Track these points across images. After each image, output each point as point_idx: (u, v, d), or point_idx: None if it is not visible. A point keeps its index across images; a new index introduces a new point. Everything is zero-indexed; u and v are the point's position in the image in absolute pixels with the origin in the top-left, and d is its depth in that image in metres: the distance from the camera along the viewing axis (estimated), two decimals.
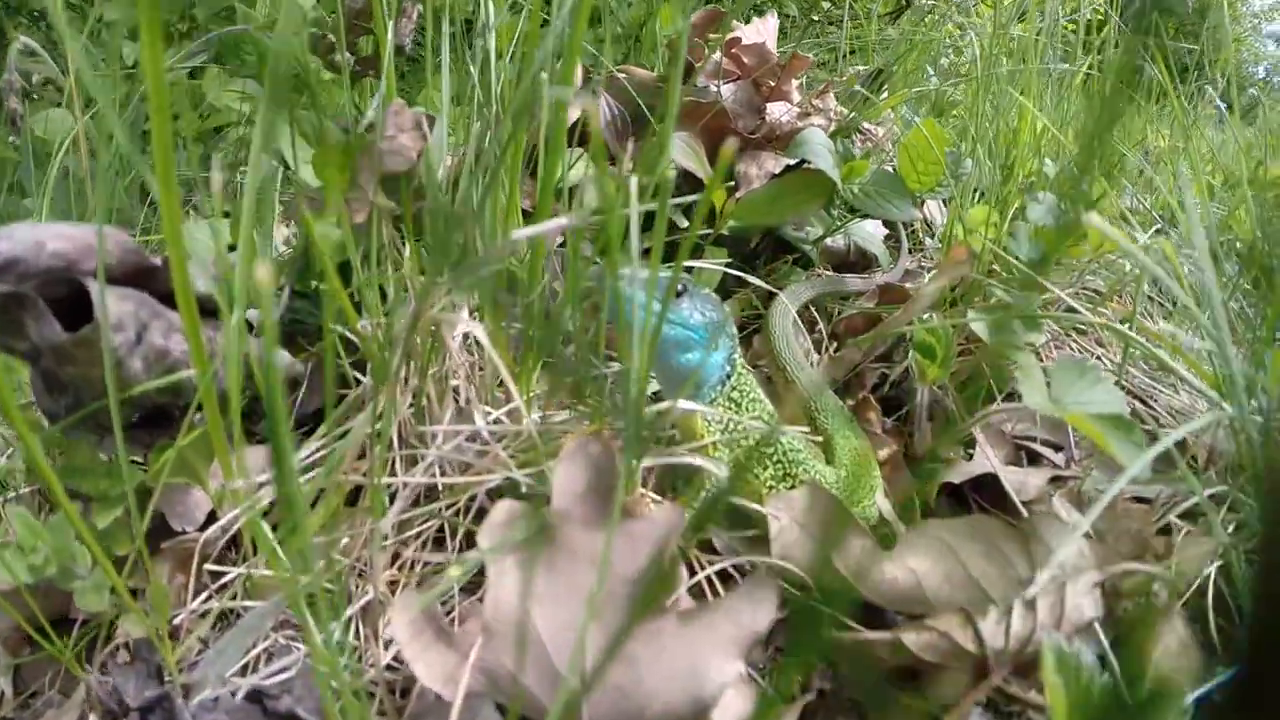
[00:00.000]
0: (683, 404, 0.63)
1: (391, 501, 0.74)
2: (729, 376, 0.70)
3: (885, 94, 1.23)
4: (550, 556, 0.49)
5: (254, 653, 0.75)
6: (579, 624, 0.46)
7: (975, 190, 1.12)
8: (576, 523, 0.48)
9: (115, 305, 0.58)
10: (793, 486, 0.71)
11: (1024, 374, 0.73)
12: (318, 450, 0.78)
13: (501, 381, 0.80)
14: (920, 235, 1.21)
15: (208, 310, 0.71)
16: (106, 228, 0.62)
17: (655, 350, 0.64)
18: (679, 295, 0.66)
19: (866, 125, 1.22)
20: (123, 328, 0.59)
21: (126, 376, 0.61)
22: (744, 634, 0.45)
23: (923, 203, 1.09)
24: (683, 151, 0.95)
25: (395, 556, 0.76)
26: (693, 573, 0.66)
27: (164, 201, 0.52)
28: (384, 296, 0.80)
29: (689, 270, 0.88)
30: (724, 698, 0.44)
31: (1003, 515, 0.81)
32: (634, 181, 0.51)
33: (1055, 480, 0.89)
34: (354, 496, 0.79)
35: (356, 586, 0.76)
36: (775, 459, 0.71)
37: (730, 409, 0.70)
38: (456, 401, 0.75)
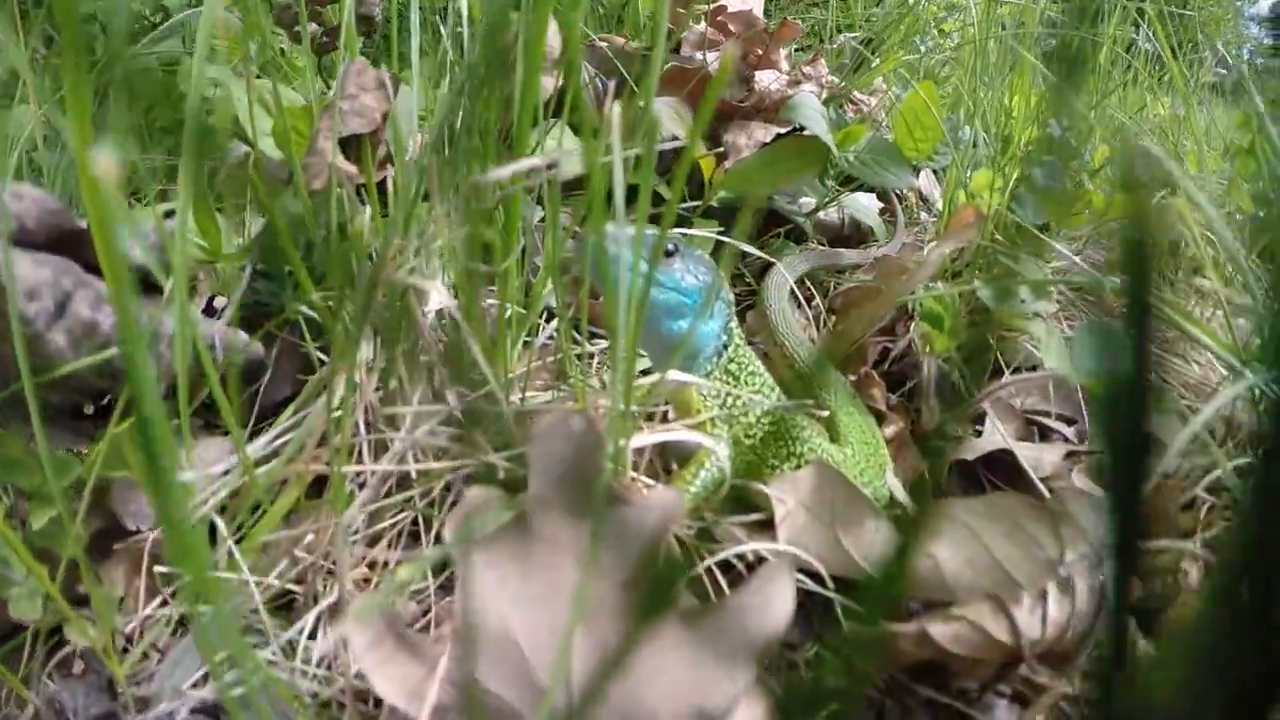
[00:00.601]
0: (675, 376, 0.54)
1: (363, 490, 0.66)
2: (726, 347, 0.61)
3: (877, 62, 1.15)
4: (527, 551, 0.40)
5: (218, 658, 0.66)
6: (563, 629, 0.38)
7: (972, 160, 1.04)
8: (556, 511, 0.39)
9: (30, 271, 0.49)
10: (798, 466, 0.63)
11: (1045, 340, 0.65)
12: (278, 438, 0.69)
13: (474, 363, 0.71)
14: (915, 209, 1.13)
15: (148, 285, 0.62)
16: (25, 186, 0.53)
17: (643, 317, 0.56)
18: (669, 255, 0.57)
19: (858, 95, 1.14)
20: (38, 296, 0.50)
21: (48, 353, 0.52)
22: (757, 638, 0.37)
23: (918, 173, 1.01)
24: (669, 117, 0.86)
25: (370, 549, 0.68)
26: (690, 564, 0.57)
27: (77, 140, 0.43)
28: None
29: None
30: (737, 711, 0.35)
31: (1019, 493, 0.73)
32: (616, 114, 0.42)
33: (1071, 456, 0.81)
34: (320, 488, 0.70)
35: (324, 586, 0.67)
36: (778, 437, 0.62)
37: (728, 382, 0.61)
38: (431, 382, 0.66)
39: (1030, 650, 0.56)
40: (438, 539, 0.60)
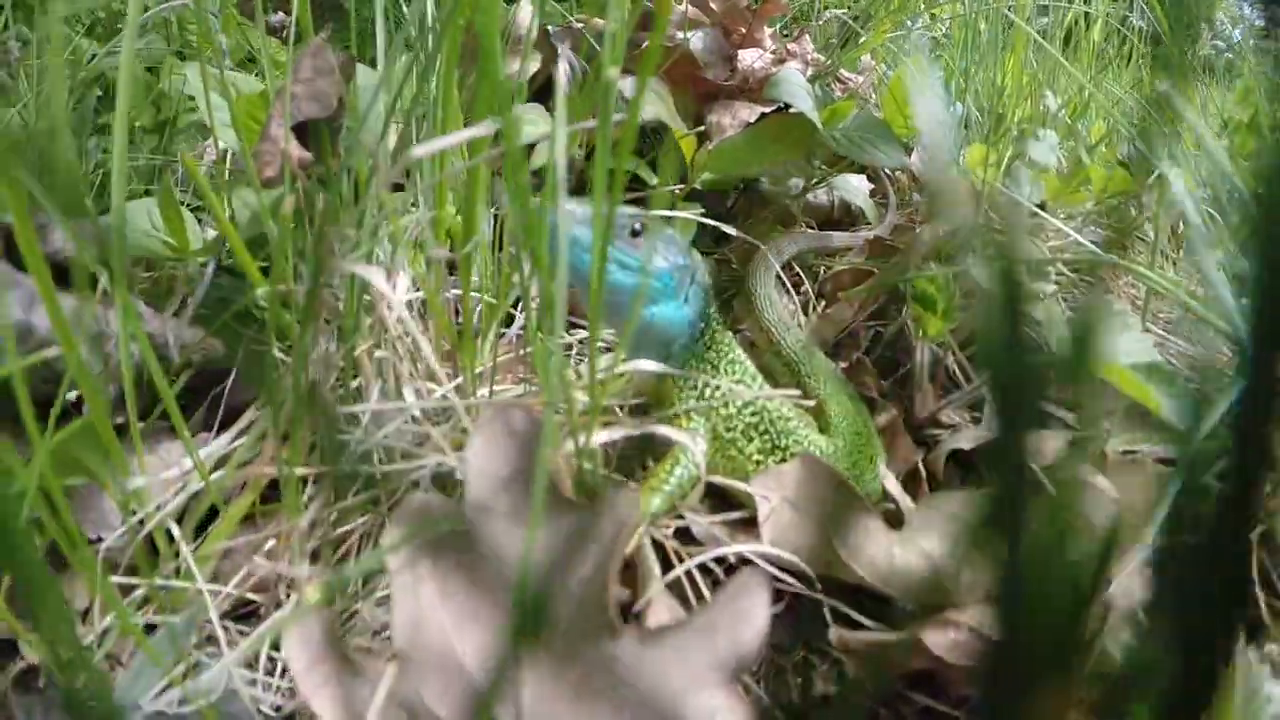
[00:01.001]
0: (645, 365, 0.49)
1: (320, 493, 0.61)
2: (703, 333, 0.56)
3: (865, 38, 1.10)
4: (470, 561, 0.36)
5: (175, 672, 0.62)
6: (507, 648, 0.33)
7: (964, 138, 0.99)
8: (499, 517, 0.34)
9: None
10: (783, 460, 0.58)
11: (1048, 322, 0.61)
12: (237, 439, 0.65)
13: (448, 353, 0.67)
14: (907, 189, 1.08)
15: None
16: None
17: (609, 302, 0.51)
18: (634, 235, 0.52)
19: (845, 73, 1.09)
20: None
21: None
22: (728, 657, 0.32)
23: (910, 151, 0.96)
24: (648, 96, 0.81)
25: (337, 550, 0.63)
26: (668, 566, 0.53)
27: None
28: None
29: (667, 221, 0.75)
30: None
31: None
32: (564, 61, 0.37)
33: (1074, 444, 0.76)
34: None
35: (287, 594, 0.62)
36: (762, 429, 0.58)
37: (706, 371, 0.56)
38: (397, 378, 0.61)
39: None
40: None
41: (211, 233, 0.86)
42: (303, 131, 0.63)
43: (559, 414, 0.42)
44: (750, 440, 0.57)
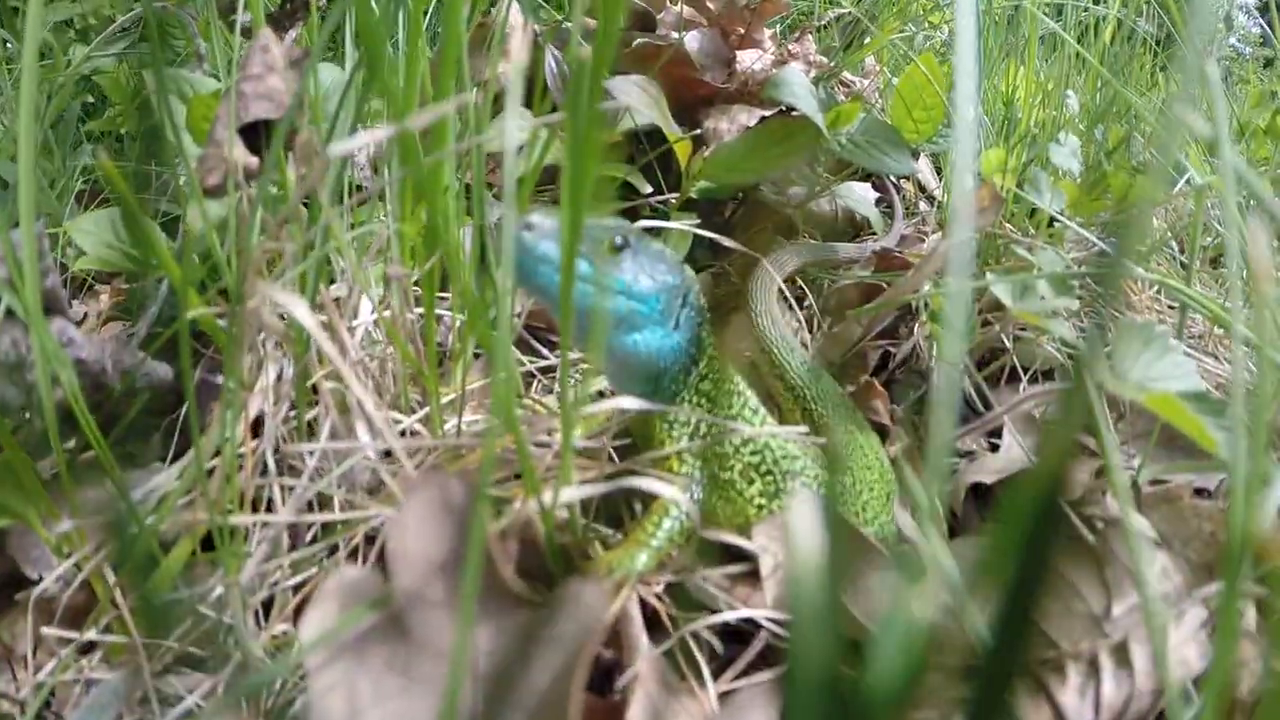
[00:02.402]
0: (627, 403, 0.41)
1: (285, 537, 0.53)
2: (696, 362, 0.48)
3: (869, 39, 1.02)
4: (405, 658, 0.27)
5: None
6: None
7: (976, 144, 0.91)
8: (434, 608, 0.26)
9: None
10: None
11: (1089, 344, 0.52)
12: (179, 478, 0.56)
13: (414, 378, 0.58)
14: (913, 199, 1.00)
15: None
16: None
17: (586, 329, 0.43)
18: (617, 250, 0.43)
19: (849, 76, 1.01)
20: None
21: None
22: None
23: (918, 157, 0.88)
24: (640, 97, 0.73)
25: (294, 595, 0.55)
26: (652, 626, 0.44)
27: None
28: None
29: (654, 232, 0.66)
30: None
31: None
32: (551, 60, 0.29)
33: (1101, 474, 0.68)
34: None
35: (233, 649, 0.54)
36: (764, 470, 0.49)
37: (700, 405, 0.48)
38: (349, 411, 0.53)
39: None
40: None
41: None
42: (253, 134, 0.55)
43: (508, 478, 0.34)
44: (751, 482, 0.49)
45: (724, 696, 0.44)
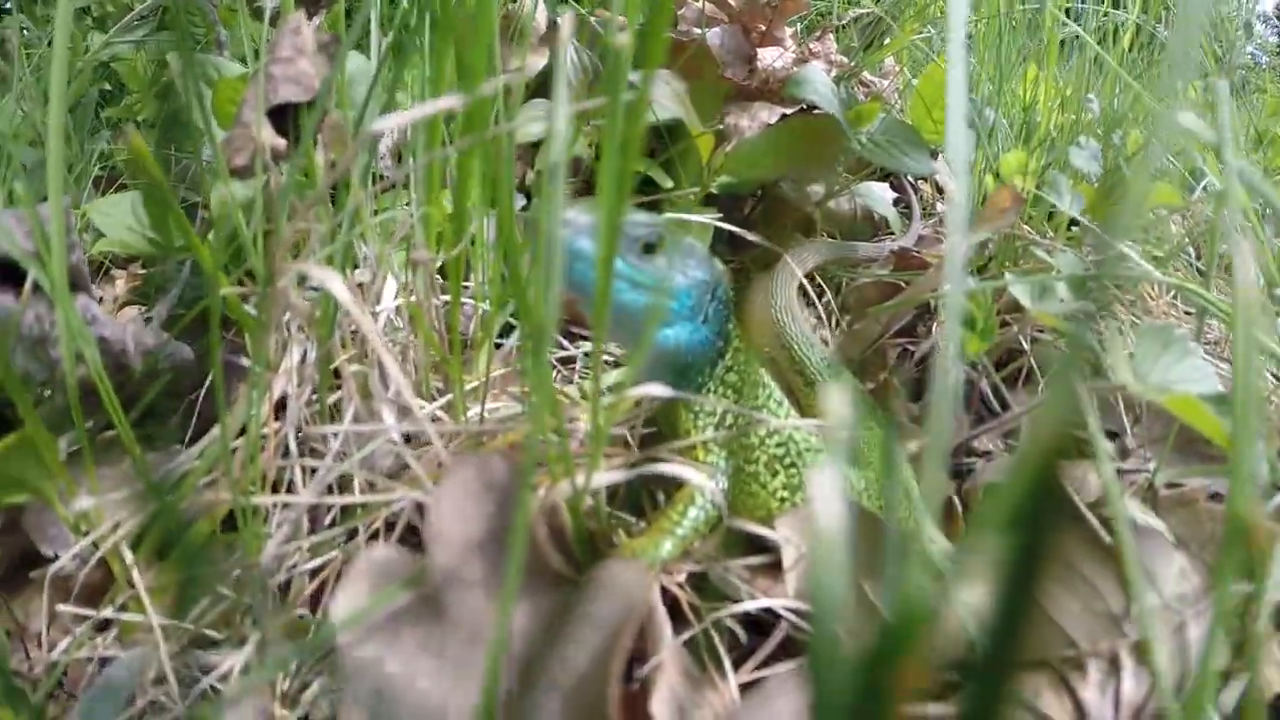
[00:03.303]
0: (658, 391, 0.41)
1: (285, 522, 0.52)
2: (722, 355, 0.47)
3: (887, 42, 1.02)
4: (441, 640, 0.27)
5: (130, 713, 0.53)
6: None
7: (995, 146, 0.90)
8: (473, 587, 0.26)
9: None
10: None
11: (1109, 347, 0.52)
12: (200, 458, 0.56)
13: (437, 364, 0.58)
14: (931, 200, 0.99)
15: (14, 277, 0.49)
16: None
17: (619, 325, 0.43)
18: (649, 249, 0.43)
19: (868, 76, 1.01)
20: None
21: None
22: None
23: (936, 157, 0.87)
24: (664, 92, 0.72)
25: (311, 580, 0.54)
26: (673, 614, 0.44)
27: None
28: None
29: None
30: None
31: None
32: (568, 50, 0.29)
33: (1119, 475, 0.67)
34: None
35: (250, 631, 0.54)
36: (788, 462, 0.49)
37: (726, 397, 0.47)
38: (373, 395, 0.53)
39: None
40: None
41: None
42: (280, 117, 0.55)
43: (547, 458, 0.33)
44: (774, 475, 0.49)
45: (745, 687, 0.43)
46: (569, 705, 0.24)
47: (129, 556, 0.54)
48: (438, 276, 0.54)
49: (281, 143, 0.51)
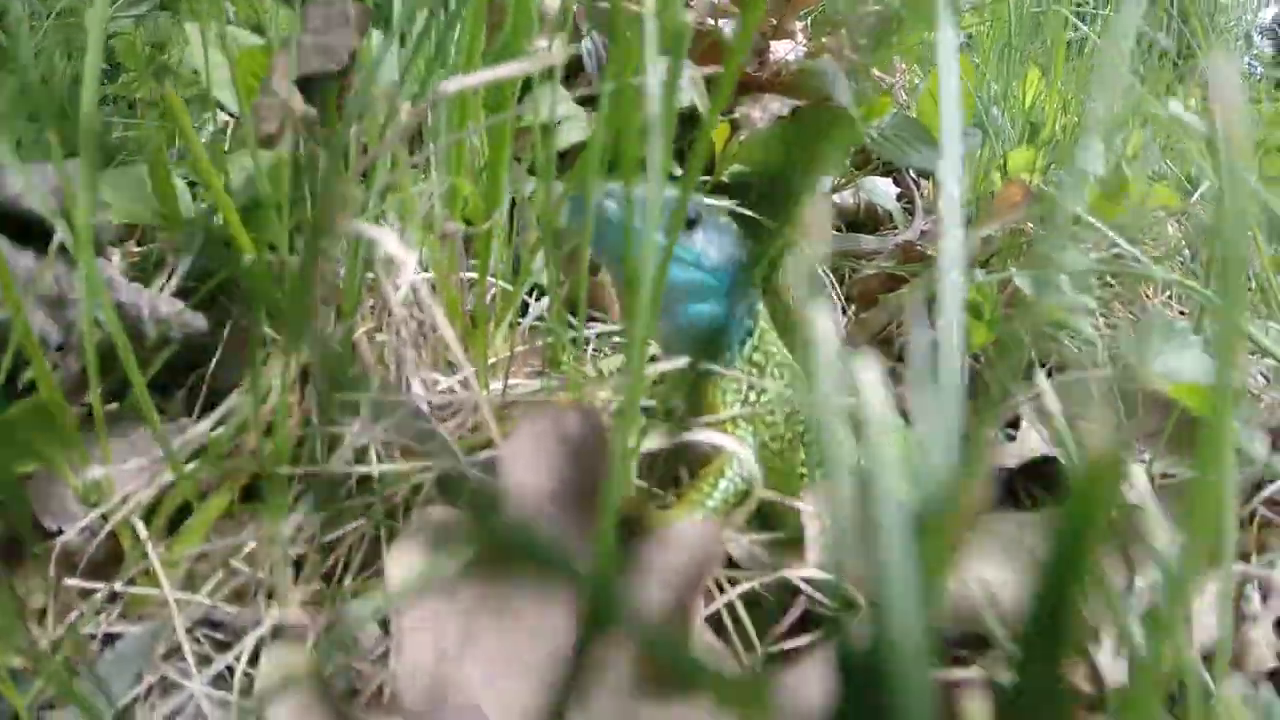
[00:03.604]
0: (690, 364, 0.41)
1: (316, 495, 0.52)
2: (750, 334, 0.48)
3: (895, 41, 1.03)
4: (504, 601, 0.27)
5: (138, 689, 0.52)
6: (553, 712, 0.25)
7: (1001, 144, 0.92)
8: (545, 544, 0.26)
9: None
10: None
11: (1118, 339, 0.53)
12: (218, 427, 0.55)
13: (457, 339, 0.58)
14: (933, 195, 1.01)
15: (35, 234, 0.48)
16: None
17: (659, 299, 0.43)
18: (690, 225, 0.44)
19: (877, 73, 1.02)
20: None
21: None
22: None
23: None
24: (683, 79, 0.73)
25: (324, 561, 0.54)
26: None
27: None
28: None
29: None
30: None
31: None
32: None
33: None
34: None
35: (267, 605, 0.53)
36: (810, 440, 0.49)
37: (752, 375, 0.48)
38: (400, 365, 0.52)
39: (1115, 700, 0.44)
40: None
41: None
42: (308, 87, 0.55)
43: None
44: (796, 452, 0.49)
45: (768, 658, 0.44)
46: (639, 656, 0.24)
47: (142, 530, 0.53)
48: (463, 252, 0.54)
49: (311, 112, 0.51)
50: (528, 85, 0.55)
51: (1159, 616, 0.33)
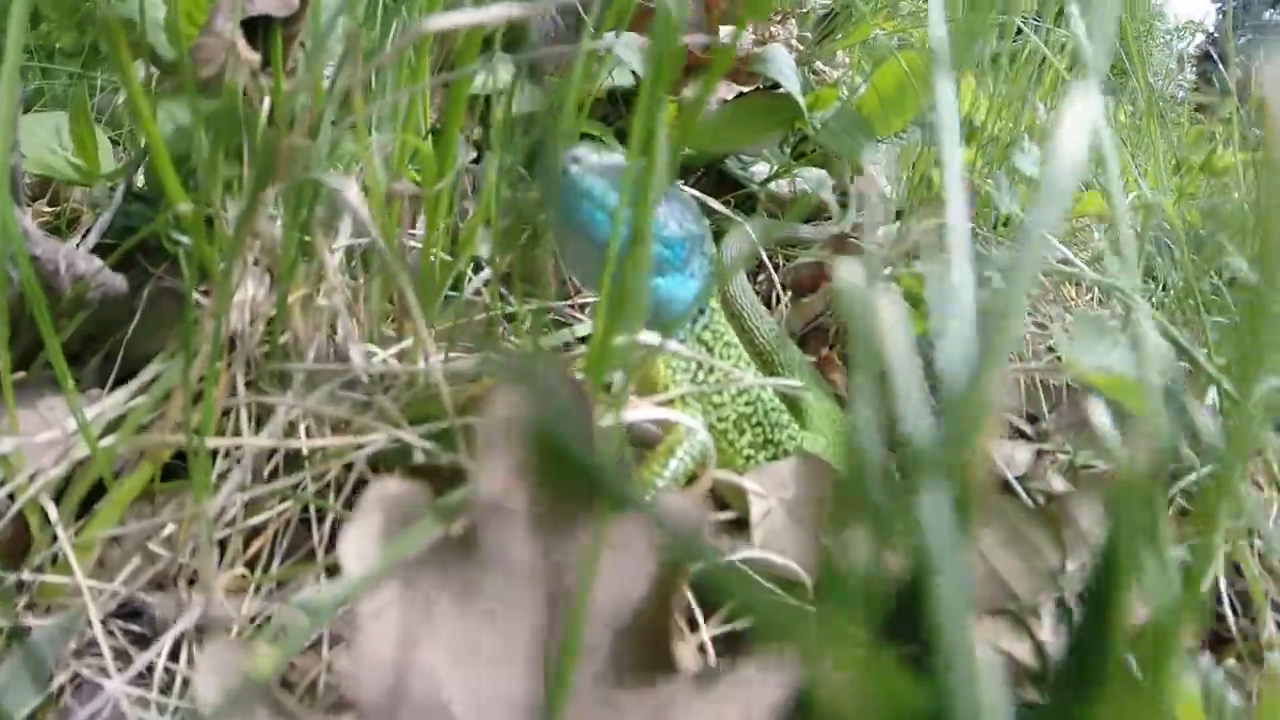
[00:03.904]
0: (650, 339, 0.40)
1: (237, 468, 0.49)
2: (702, 311, 0.48)
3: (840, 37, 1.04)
4: (471, 580, 0.26)
5: (50, 689, 0.47)
6: (525, 699, 0.24)
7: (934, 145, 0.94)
8: (515, 520, 0.25)
9: None
10: (774, 456, 0.50)
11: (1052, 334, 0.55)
12: (136, 397, 0.52)
13: (391, 316, 0.55)
14: (865, 190, 1.02)
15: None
16: None
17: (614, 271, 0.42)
18: None
19: (821, 65, 1.02)
20: None
21: None
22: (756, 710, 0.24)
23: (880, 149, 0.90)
24: (636, 57, 0.71)
25: (247, 545, 0.51)
26: None
27: None
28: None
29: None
30: None
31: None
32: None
33: (1040, 455, 0.71)
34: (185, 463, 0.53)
35: (189, 593, 0.49)
36: (755, 421, 0.49)
37: (701, 353, 0.48)
38: (333, 333, 0.50)
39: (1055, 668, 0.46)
40: (332, 539, 0.44)
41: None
42: (253, 30, 0.51)
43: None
44: (742, 433, 0.49)
45: (715, 641, 0.44)
46: (629, 635, 0.24)
47: (52, 510, 0.48)
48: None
49: (255, 56, 0.48)
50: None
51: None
